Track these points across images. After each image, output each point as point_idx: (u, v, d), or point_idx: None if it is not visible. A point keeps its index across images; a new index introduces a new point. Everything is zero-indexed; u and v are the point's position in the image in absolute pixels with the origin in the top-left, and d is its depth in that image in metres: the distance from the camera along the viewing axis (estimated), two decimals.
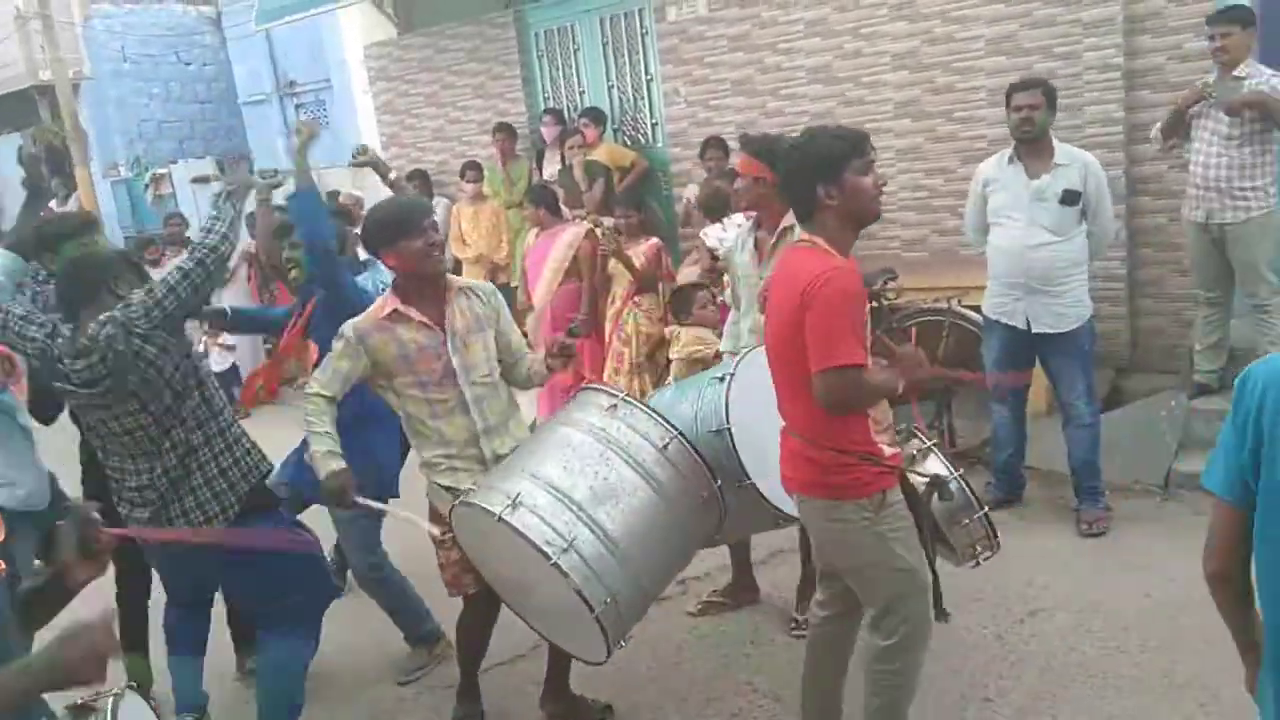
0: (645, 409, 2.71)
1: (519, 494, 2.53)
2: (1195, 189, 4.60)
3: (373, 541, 3.77)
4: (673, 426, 2.68)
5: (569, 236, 5.88)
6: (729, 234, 4.32)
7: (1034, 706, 3.12)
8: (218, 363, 7.78)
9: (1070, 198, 4.09)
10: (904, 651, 2.60)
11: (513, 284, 7.06)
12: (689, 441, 2.67)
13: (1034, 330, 4.17)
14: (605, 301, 5.69)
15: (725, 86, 6.84)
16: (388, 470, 3.68)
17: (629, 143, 7.67)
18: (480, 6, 8.12)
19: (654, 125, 7.58)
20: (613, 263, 5.56)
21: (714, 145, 6.24)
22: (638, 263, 5.44)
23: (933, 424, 5.05)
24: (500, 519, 2.49)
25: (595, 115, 7.19)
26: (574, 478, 2.58)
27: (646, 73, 7.49)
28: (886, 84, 6.14)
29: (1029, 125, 4.09)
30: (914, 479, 2.69)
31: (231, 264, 8.48)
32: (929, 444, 2.90)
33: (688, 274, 5.50)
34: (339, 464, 2.89)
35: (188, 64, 13.26)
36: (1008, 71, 5.56)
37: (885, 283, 5.55)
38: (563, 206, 6.16)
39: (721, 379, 2.96)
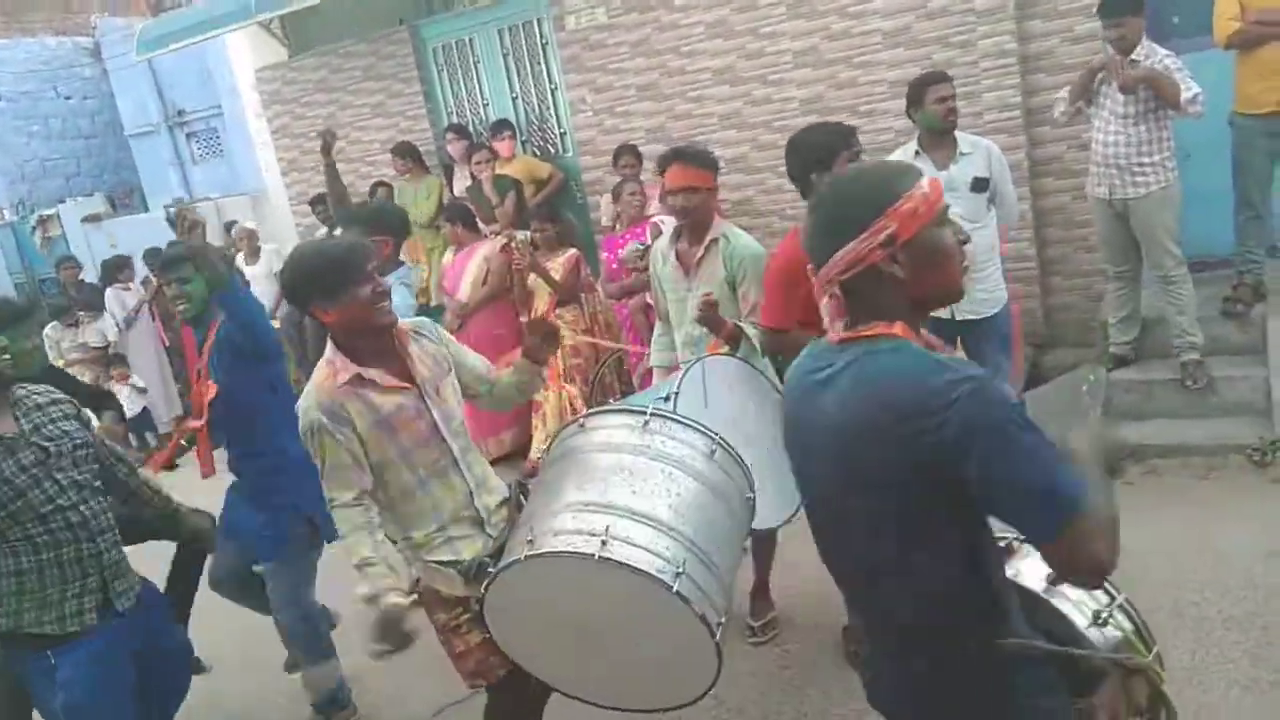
0: (678, 418, 2.53)
1: (607, 526, 2.24)
2: (1097, 166, 4.73)
3: (305, 591, 3.57)
4: (712, 430, 2.52)
5: (484, 251, 5.82)
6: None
7: None
8: (129, 404, 7.44)
9: (979, 185, 4.16)
10: None
11: (432, 304, 6.93)
12: (729, 444, 2.53)
13: (957, 317, 4.23)
14: (528, 316, 5.60)
15: (631, 92, 6.81)
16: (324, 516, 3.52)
17: (538, 154, 7.59)
18: (373, 24, 7.94)
19: (562, 135, 7.52)
20: (532, 277, 5.49)
21: (627, 153, 6.20)
22: (557, 275, 5.38)
23: None
24: (601, 558, 2.18)
25: (503, 129, 7.08)
26: (650, 500, 2.32)
27: (551, 82, 7.42)
28: (790, 81, 6.19)
29: (954, 115, 4.16)
30: None
31: (132, 303, 8.18)
32: None
33: None
34: (399, 597, 2.44)
35: (68, 98, 12.66)
36: (906, 64, 5.66)
37: None
38: (479, 223, 6.06)
39: (666, 398, 2.90)
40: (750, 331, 3.41)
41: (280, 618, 3.57)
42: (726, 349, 3.38)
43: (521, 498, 2.65)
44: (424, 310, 6.93)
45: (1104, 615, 1.80)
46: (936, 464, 1.46)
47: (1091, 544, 1.45)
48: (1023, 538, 1.74)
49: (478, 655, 2.59)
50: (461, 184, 7.11)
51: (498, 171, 6.71)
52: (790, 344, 3.01)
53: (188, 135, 10.46)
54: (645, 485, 2.34)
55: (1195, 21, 5.03)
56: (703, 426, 2.50)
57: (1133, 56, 4.53)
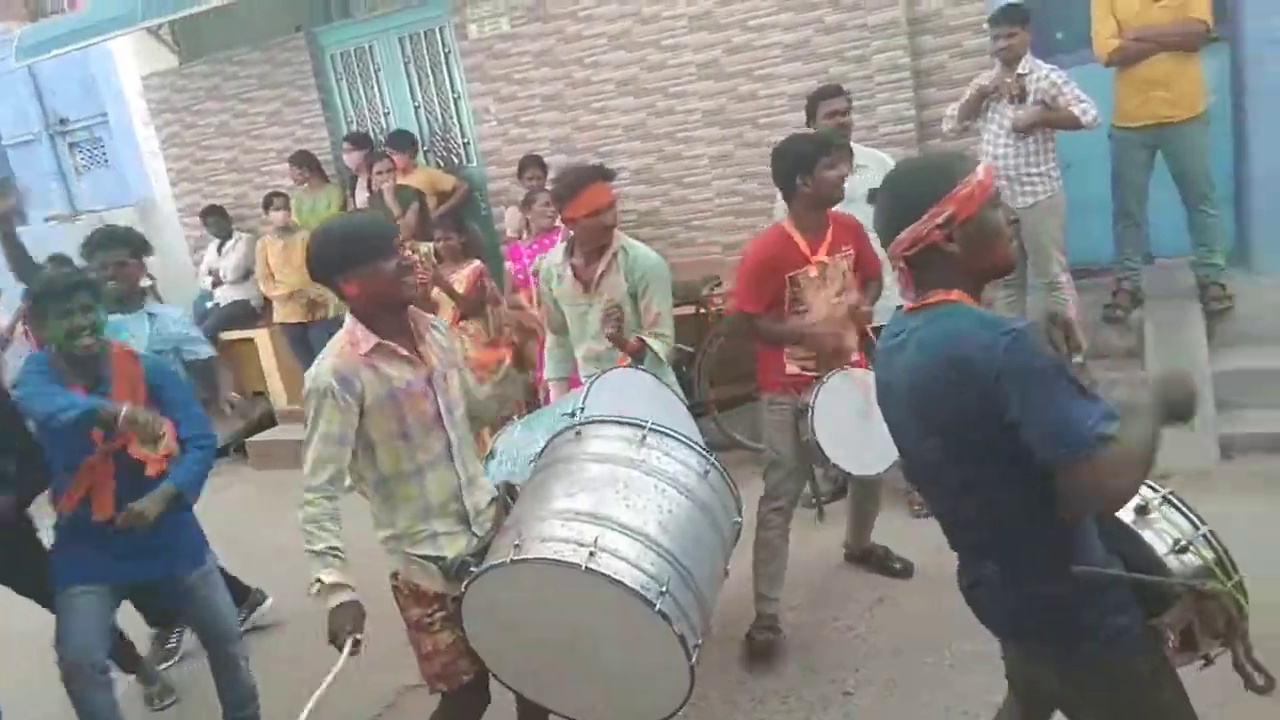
0: (676, 434, 2.51)
1: (596, 538, 2.24)
2: None
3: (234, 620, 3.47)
4: (707, 451, 2.54)
5: None
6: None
7: (892, 693, 3.22)
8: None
9: (874, 197, 4.24)
10: (767, 500, 3.62)
11: (331, 317, 6.77)
12: (721, 465, 2.56)
13: (876, 323, 4.31)
14: None
15: (536, 103, 6.79)
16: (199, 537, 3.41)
17: (441, 164, 7.49)
18: (269, 31, 7.72)
19: (466, 145, 7.44)
20: (435, 290, 5.40)
21: (533, 164, 6.16)
22: (460, 288, 5.31)
23: None
24: (588, 569, 2.18)
25: (403, 140, 6.97)
26: (642, 515, 2.33)
27: (453, 91, 7.34)
28: (693, 94, 6.25)
29: (847, 129, 4.27)
30: None
31: (5, 322, 7.74)
32: None
33: None
34: (342, 595, 2.38)
35: None
36: (805, 77, 5.78)
37: (711, 289, 5.67)
38: None
39: (572, 413, 2.88)
40: (654, 344, 3.42)
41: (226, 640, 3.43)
42: (630, 361, 3.39)
43: (509, 500, 2.64)
44: (325, 326, 6.80)
45: (1184, 543, 1.91)
46: (991, 408, 1.66)
47: (1106, 478, 1.62)
48: None
49: (445, 658, 2.55)
50: (363, 194, 6.97)
51: (400, 182, 6.60)
52: (765, 331, 3.51)
53: (70, 145, 9.97)
54: (638, 500, 2.35)
55: (1076, 37, 5.27)
56: (699, 446, 2.53)
57: (1019, 70, 4.71)
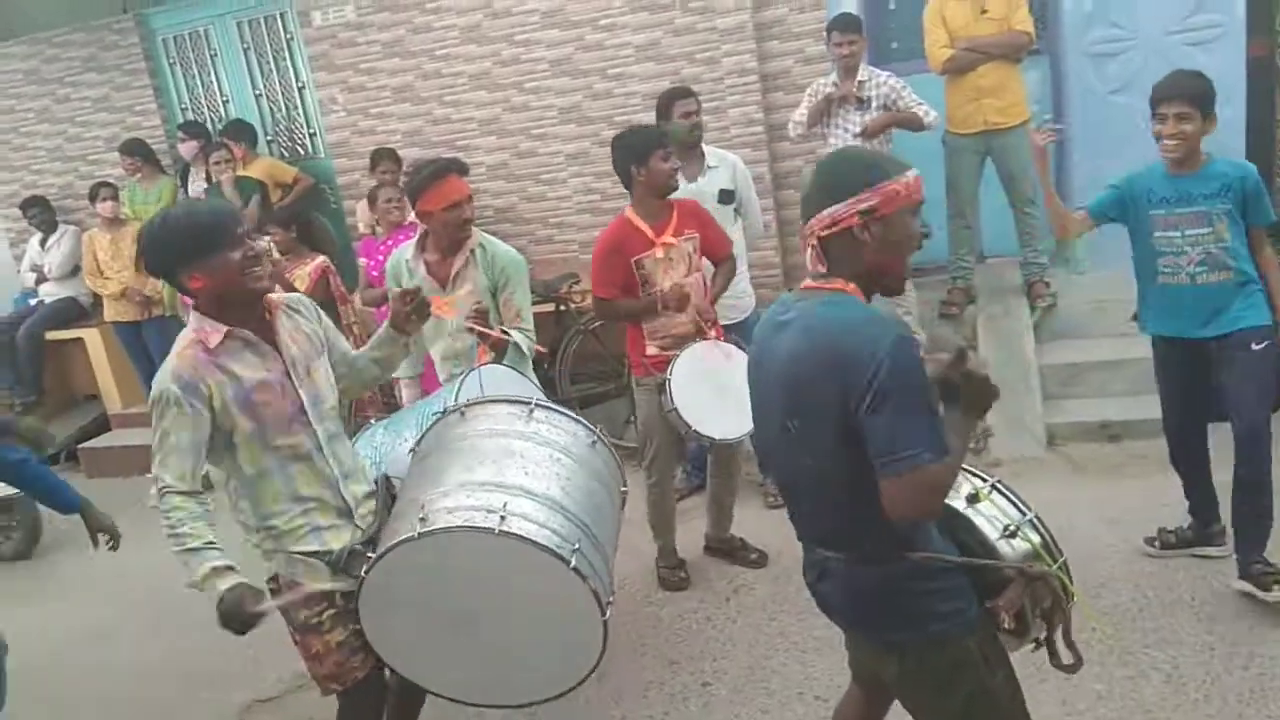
0: (561, 409, 2.59)
1: (505, 504, 2.24)
2: None
3: None
4: (590, 425, 2.62)
5: None
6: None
7: (749, 681, 3.31)
8: None
9: (726, 197, 4.37)
10: (648, 475, 3.96)
11: (167, 314, 6.42)
12: (603, 437, 2.62)
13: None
14: None
15: (386, 94, 6.60)
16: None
17: (286, 155, 7.20)
18: (92, 10, 7.22)
19: (312, 135, 7.17)
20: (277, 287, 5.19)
21: (386, 157, 5.98)
22: (302, 285, 5.11)
23: (629, 420, 5.20)
24: (502, 532, 2.18)
25: (240, 131, 6.65)
26: (544, 481, 2.36)
27: (298, 80, 7.06)
28: (549, 90, 6.22)
29: (698, 129, 4.34)
30: None
31: None
32: None
33: None
34: (235, 577, 2.25)
35: None
36: (658, 77, 5.84)
37: (569, 287, 5.67)
38: None
39: (443, 411, 2.82)
40: (518, 338, 3.41)
41: None
42: (492, 357, 3.35)
43: (389, 490, 2.59)
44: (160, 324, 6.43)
45: (1013, 528, 2.01)
46: (853, 401, 1.75)
47: (906, 497, 1.75)
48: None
49: (337, 656, 2.45)
50: (197, 186, 6.61)
51: (240, 173, 6.30)
52: (618, 310, 3.78)
53: None
54: (536, 468, 2.39)
55: (911, 46, 5.53)
56: (580, 419, 2.61)
57: (859, 77, 4.90)
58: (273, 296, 2.49)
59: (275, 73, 7.12)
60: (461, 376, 3.08)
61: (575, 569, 2.22)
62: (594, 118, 6.18)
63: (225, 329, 2.35)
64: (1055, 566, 1.98)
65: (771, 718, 3.12)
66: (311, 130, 7.16)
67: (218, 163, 6.18)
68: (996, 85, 5.02)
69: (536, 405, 2.54)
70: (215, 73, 7.24)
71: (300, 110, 7.16)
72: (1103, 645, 3.12)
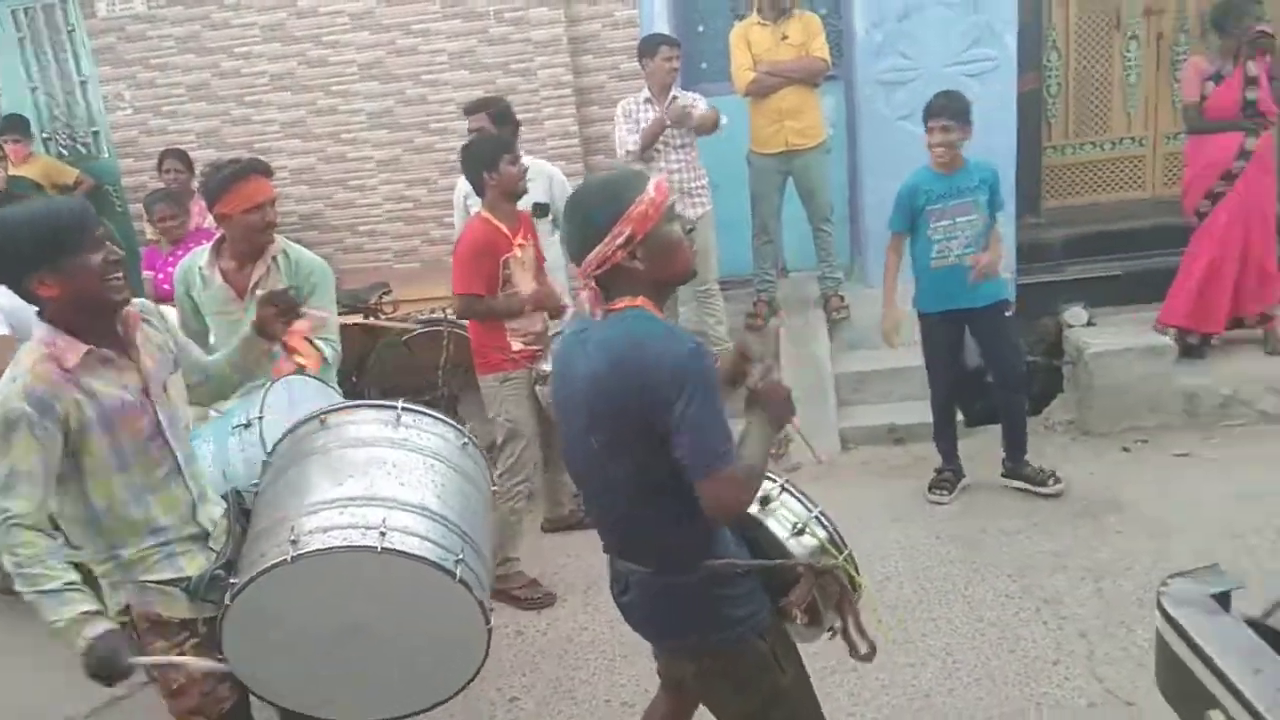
0: (429, 413, 2.47)
1: (384, 518, 2.11)
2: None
3: None
4: (459, 426, 2.51)
5: None
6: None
7: (555, 693, 3.34)
8: None
9: (540, 210, 4.40)
10: (511, 475, 3.91)
11: None
12: (473, 439, 2.53)
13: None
14: None
15: (180, 92, 6.23)
16: None
17: (65, 154, 6.68)
18: None
19: (95, 133, 6.69)
20: None
21: (174, 157, 5.64)
22: None
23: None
24: (384, 549, 2.06)
25: (17, 125, 6.12)
26: (419, 491, 2.25)
27: (79, 74, 6.56)
28: (357, 94, 6.06)
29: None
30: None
31: None
32: None
33: None
34: (104, 623, 2.02)
35: None
36: (472, 86, 5.81)
37: (380, 297, 5.53)
38: None
39: (248, 423, 2.68)
40: (323, 349, 3.30)
41: None
42: (296, 368, 3.22)
43: (240, 506, 2.37)
44: None
45: (800, 525, 2.12)
46: (653, 410, 1.81)
47: (726, 492, 1.85)
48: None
49: (202, 687, 2.25)
50: None
51: (13, 173, 5.79)
52: (485, 308, 3.82)
53: None
54: (410, 477, 2.28)
55: (719, 68, 5.74)
56: (449, 421, 2.53)
57: (673, 93, 5.04)
58: (132, 309, 2.24)
59: (54, 65, 6.59)
60: (266, 387, 2.95)
61: (461, 580, 2.16)
62: (406, 124, 6.07)
63: (85, 348, 2.10)
64: (841, 559, 2.11)
65: None
66: (94, 128, 6.67)
67: None
68: (796, 108, 5.29)
69: (404, 409, 2.44)
70: None
71: (82, 106, 6.66)
72: (887, 637, 3.32)
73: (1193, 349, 5.04)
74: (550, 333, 3.97)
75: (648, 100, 5.09)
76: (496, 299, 3.83)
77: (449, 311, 5.22)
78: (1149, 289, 5.39)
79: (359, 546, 2.10)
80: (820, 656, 2.23)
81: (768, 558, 2.09)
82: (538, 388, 3.87)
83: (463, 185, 4.52)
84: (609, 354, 1.87)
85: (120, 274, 2.14)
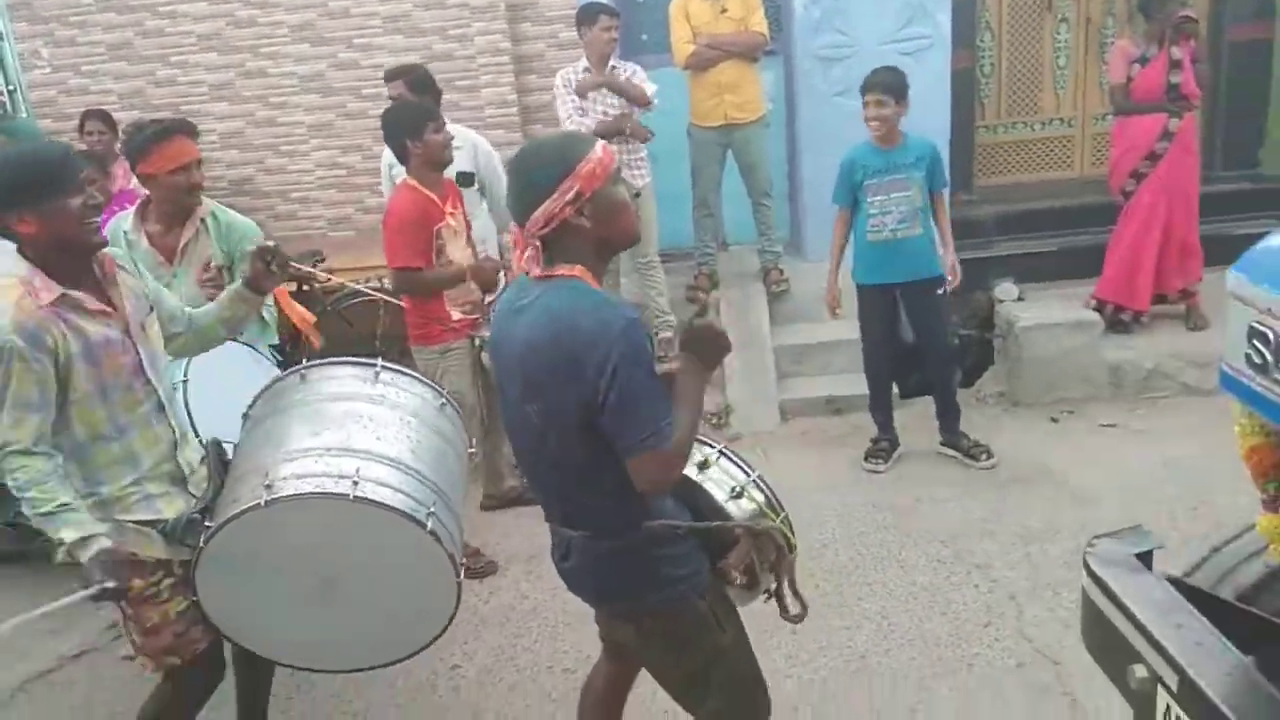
0: (407, 372, 2.57)
1: (357, 469, 2.18)
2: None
3: None
4: (437, 386, 2.63)
5: None
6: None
7: (498, 660, 3.34)
8: None
9: (464, 179, 4.34)
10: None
11: None
12: (454, 400, 2.63)
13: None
14: None
15: (100, 51, 6.01)
16: None
17: None
18: None
19: (11, 92, 6.38)
20: None
21: (96, 118, 5.41)
22: None
23: None
24: (356, 498, 2.13)
25: None
26: (395, 445, 2.32)
27: None
28: (287, 56, 5.91)
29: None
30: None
31: None
32: None
33: None
34: (97, 544, 2.09)
35: None
36: (407, 51, 5.71)
37: (314, 264, 5.40)
38: None
39: (173, 387, 2.65)
40: (262, 313, 3.24)
41: None
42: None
43: (220, 456, 2.46)
44: None
45: (739, 489, 2.14)
46: (590, 381, 1.79)
47: (656, 470, 1.86)
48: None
49: (176, 628, 2.32)
50: None
51: None
52: (423, 281, 3.72)
53: None
54: (386, 431, 2.35)
55: (659, 40, 5.72)
56: (427, 381, 2.62)
57: (611, 64, 5.01)
58: (108, 253, 2.31)
59: None
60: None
61: (432, 532, 2.22)
62: (339, 89, 5.94)
63: (60, 291, 2.16)
64: (778, 521, 2.14)
65: (519, 693, 3.17)
66: (10, 86, 6.37)
67: None
68: (735, 82, 5.29)
69: (383, 367, 2.52)
70: None
71: None
72: (823, 601, 3.41)
73: (1121, 324, 5.20)
74: (486, 300, 3.90)
75: (586, 70, 5.05)
76: (436, 272, 3.72)
77: (385, 281, 5.13)
78: (1077, 266, 5.54)
79: (332, 494, 2.17)
80: (757, 619, 2.25)
81: (706, 520, 2.11)
82: (484, 355, 3.79)
83: (388, 155, 4.45)
84: (544, 324, 1.85)
85: (98, 219, 2.21)
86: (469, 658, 3.36)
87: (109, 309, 2.25)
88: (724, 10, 5.25)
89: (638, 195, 5.00)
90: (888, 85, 4.05)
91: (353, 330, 5.21)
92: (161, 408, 2.33)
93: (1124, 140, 5.11)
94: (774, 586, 2.16)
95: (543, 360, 1.85)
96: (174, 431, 2.37)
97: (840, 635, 3.28)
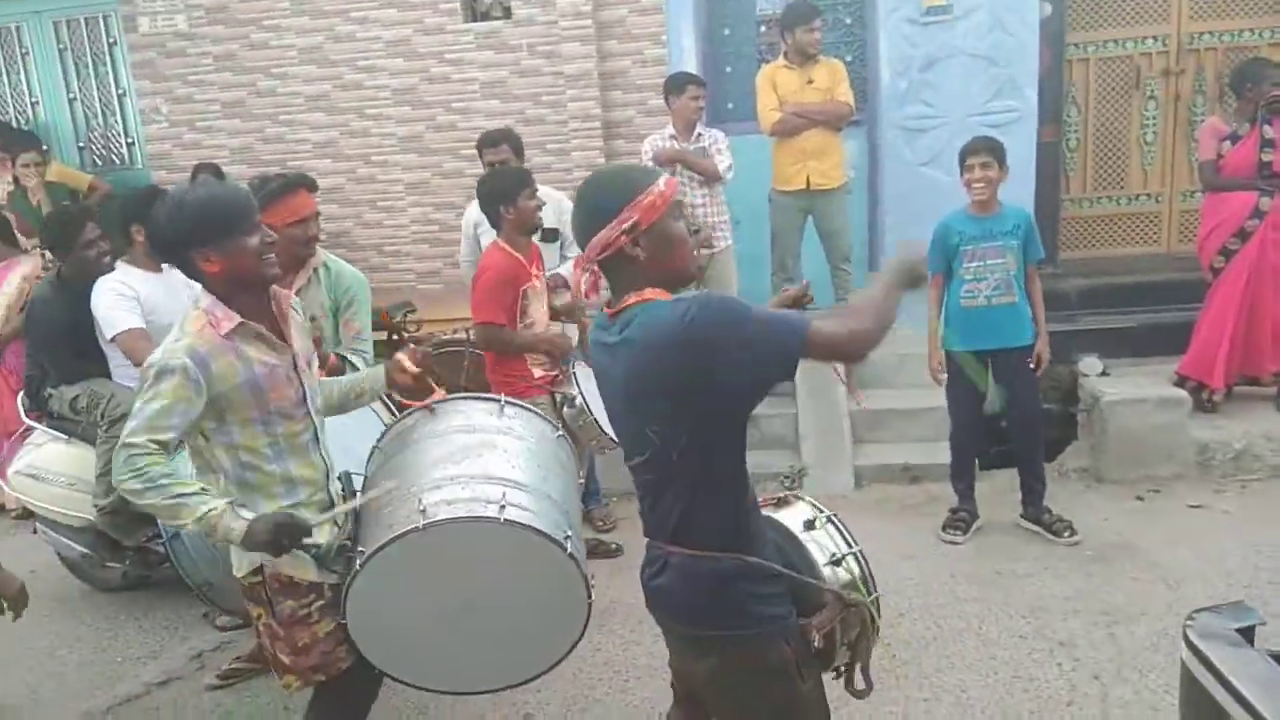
0: (528, 407, 2.72)
1: (503, 494, 2.32)
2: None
3: None
4: (552, 420, 2.76)
5: (24, 270, 5.06)
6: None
7: (570, 710, 3.34)
8: None
9: (549, 235, 4.52)
10: None
11: None
12: (565, 434, 2.78)
13: None
14: None
15: (215, 108, 6.38)
16: None
17: (99, 163, 6.81)
18: None
19: (130, 145, 6.82)
20: None
21: (207, 170, 5.76)
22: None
23: None
24: (507, 521, 2.27)
25: (27, 140, 6.24)
26: (528, 474, 2.45)
27: (118, 87, 6.70)
28: (389, 118, 6.20)
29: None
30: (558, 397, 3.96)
31: None
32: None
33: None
34: (247, 512, 2.23)
35: None
36: (502, 115, 5.94)
37: (405, 315, 5.60)
38: (19, 235, 5.27)
39: None
40: (355, 360, 3.37)
41: None
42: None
43: (351, 488, 2.56)
44: None
45: (839, 556, 2.15)
46: (692, 378, 1.80)
47: (827, 342, 1.86)
48: (798, 493, 2.33)
49: (324, 646, 2.41)
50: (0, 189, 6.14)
51: (48, 179, 5.91)
52: (503, 339, 3.89)
53: None
54: (519, 460, 2.48)
55: (745, 108, 5.86)
56: (543, 415, 2.75)
57: (698, 130, 5.15)
58: (284, 291, 2.47)
59: (93, 77, 6.74)
60: None
61: (571, 555, 2.33)
62: (436, 149, 6.19)
63: (239, 320, 2.30)
64: (870, 599, 2.13)
65: None
66: (130, 140, 6.80)
67: (26, 165, 5.78)
68: (819, 149, 5.39)
69: (506, 403, 2.66)
70: (25, 71, 6.77)
71: (118, 117, 6.79)
72: (900, 672, 3.35)
73: (1204, 403, 5.09)
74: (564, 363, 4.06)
75: (672, 136, 5.21)
76: (517, 333, 3.90)
77: (470, 332, 5.28)
78: (1161, 342, 5.45)
79: (484, 518, 2.28)
80: (834, 685, 2.24)
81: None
82: (565, 410, 3.89)
83: (472, 214, 4.64)
84: (637, 350, 1.88)
85: (274, 255, 2.35)
86: (541, 707, 3.38)
87: (282, 341, 2.39)
88: (810, 81, 5.36)
89: (697, 231, 5.10)
90: (992, 148, 4.12)
91: (439, 378, 5.35)
92: (318, 439, 2.45)
93: (1214, 216, 5.05)
94: (845, 664, 2.15)
95: (644, 384, 1.88)
96: (327, 463, 2.48)
97: (918, 707, 3.22)
